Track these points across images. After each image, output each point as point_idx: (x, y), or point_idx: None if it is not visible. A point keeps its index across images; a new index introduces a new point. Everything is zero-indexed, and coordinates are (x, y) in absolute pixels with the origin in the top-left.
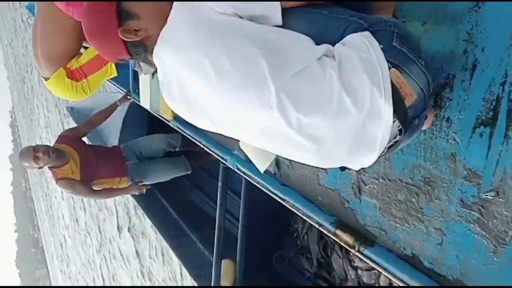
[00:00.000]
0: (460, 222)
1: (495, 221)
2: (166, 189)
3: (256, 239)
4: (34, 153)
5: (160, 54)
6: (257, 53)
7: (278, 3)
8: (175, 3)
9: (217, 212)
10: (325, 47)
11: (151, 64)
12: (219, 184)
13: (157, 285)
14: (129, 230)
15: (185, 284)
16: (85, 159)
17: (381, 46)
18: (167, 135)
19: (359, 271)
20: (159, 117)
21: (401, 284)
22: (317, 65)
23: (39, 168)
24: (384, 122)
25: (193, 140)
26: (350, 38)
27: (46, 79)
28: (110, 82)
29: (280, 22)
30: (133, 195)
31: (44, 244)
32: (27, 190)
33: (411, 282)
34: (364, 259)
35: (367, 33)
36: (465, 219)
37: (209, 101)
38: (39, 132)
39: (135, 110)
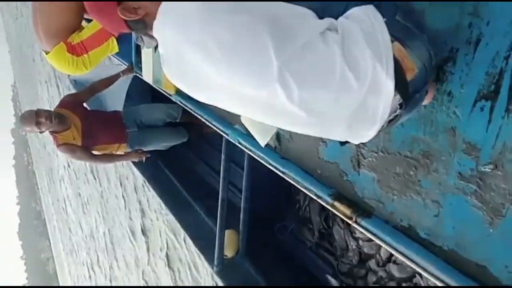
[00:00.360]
0: (457, 194)
1: (492, 193)
2: (171, 161)
3: (258, 210)
4: (36, 117)
5: (160, 29)
6: (260, 28)
7: None
8: None
9: (220, 184)
10: (328, 21)
11: (153, 38)
12: (222, 156)
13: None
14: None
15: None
16: (86, 125)
17: (384, 20)
18: (168, 105)
19: (360, 242)
20: (162, 91)
21: (397, 254)
22: (320, 39)
23: (40, 132)
24: (385, 96)
25: (195, 114)
26: (354, 11)
27: (47, 53)
28: (113, 56)
29: None
30: (137, 168)
31: (46, 217)
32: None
33: (407, 252)
34: (361, 230)
35: (370, 6)
36: (462, 191)
37: (210, 76)
38: (41, 107)
39: (139, 80)
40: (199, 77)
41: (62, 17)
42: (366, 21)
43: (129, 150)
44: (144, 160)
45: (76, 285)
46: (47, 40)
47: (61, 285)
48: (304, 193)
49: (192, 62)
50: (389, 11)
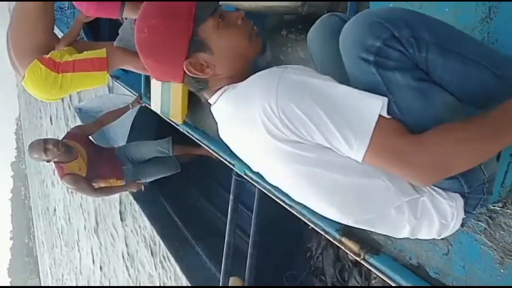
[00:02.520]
0: (466, 232)
1: (502, 232)
2: (173, 198)
3: (267, 257)
4: (44, 144)
5: (222, 111)
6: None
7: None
8: (258, 74)
9: (227, 227)
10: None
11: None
12: (231, 197)
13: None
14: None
15: None
16: (92, 157)
17: (464, 216)
18: (157, 142)
19: None
20: (169, 121)
21: None
22: (394, 211)
23: (47, 161)
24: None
25: (202, 145)
26: (442, 196)
27: (23, 78)
28: (121, 85)
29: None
30: (137, 202)
31: (38, 254)
32: (26, 198)
33: None
34: (369, 267)
35: (460, 201)
36: (472, 229)
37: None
38: None
39: (145, 114)
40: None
41: (31, 38)
42: (447, 215)
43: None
44: (143, 189)
45: None
46: (20, 63)
47: None
48: (317, 241)
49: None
50: (472, 205)
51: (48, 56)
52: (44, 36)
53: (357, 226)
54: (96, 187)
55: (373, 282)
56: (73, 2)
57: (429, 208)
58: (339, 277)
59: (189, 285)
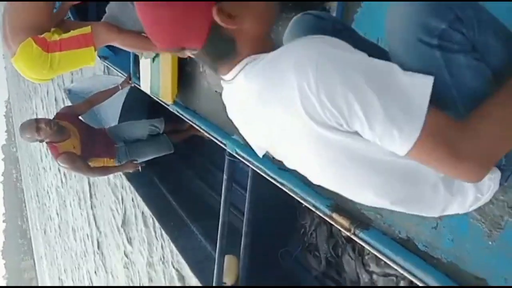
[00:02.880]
0: None
1: (491, 205)
2: (167, 178)
3: (261, 235)
4: (36, 124)
5: (243, 91)
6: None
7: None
8: (291, 44)
9: (221, 206)
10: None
11: (216, 73)
12: (224, 177)
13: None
14: (123, 224)
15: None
16: (84, 136)
17: (497, 189)
18: (149, 120)
19: (374, 276)
20: (159, 101)
21: (396, 267)
22: (430, 189)
23: (40, 141)
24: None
25: (193, 125)
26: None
27: (14, 56)
28: (111, 66)
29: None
30: (132, 184)
31: (31, 236)
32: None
33: (405, 265)
34: (359, 241)
35: (497, 173)
36: None
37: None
38: None
39: (136, 94)
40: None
41: (29, 16)
42: (483, 190)
43: (117, 164)
44: (140, 170)
45: None
46: (13, 38)
47: None
48: (311, 217)
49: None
50: (505, 176)
51: (42, 36)
52: (43, 16)
53: (392, 208)
54: (91, 166)
55: (366, 257)
56: None
57: (466, 183)
58: (333, 253)
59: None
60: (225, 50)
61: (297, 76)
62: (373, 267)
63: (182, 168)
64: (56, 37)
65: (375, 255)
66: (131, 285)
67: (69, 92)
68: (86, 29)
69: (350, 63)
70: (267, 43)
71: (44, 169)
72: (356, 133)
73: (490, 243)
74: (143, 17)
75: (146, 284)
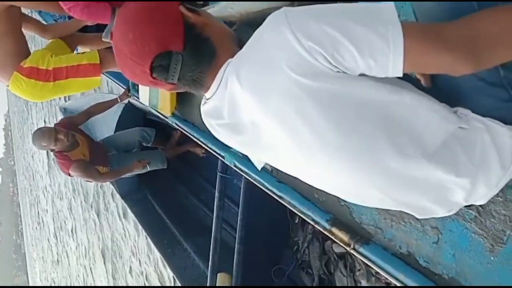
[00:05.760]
0: (457, 220)
1: (492, 220)
2: (161, 195)
3: (254, 252)
4: (56, 134)
5: (232, 88)
6: (377, 135)
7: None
8: (260, 27)
9: (214, 222)
10: (461, 119)
11: (201, 87)
12: (216, 194)
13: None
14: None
15: None
16: (90, 144)
17: None
18: (141, 128)
19: None
20: (157, 114)
21: (397, 283)
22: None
23: (51, 150)
24: None
25: (191, 137)
26: (499, 129)
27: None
28: (110, 78)
29: (401, 73)
30: (126, 201)
31: (26, 251)
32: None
33: (407, 281)
34: (359, 257)
35: None
36: (462, 217)
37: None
38: (30, 138)
39: (130, 113)
40: (278, 153)
41: (7, 45)
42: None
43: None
44: (148, 168)
45: None
46: (2, 76)
47: None
48: (303, 234)
49: (273, 136)
50: None
51: (26, 64)
52: (14, 43)
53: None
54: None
55: (357, 273)
56: (66, 9)
57: (487, 145)
58: (325, 270)
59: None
60: (205, 50)
61: (274, 39)
62: (364, 283)
63: (176, 185)
64: (51, 61)
65: (366, 271)
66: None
67: (65, 111)
68: (94, 58)
69: (314, 7)
70: (241, 45)
71: (41, 177)
72: (350, 74)
73: (492, 258)
74: (122, 42)
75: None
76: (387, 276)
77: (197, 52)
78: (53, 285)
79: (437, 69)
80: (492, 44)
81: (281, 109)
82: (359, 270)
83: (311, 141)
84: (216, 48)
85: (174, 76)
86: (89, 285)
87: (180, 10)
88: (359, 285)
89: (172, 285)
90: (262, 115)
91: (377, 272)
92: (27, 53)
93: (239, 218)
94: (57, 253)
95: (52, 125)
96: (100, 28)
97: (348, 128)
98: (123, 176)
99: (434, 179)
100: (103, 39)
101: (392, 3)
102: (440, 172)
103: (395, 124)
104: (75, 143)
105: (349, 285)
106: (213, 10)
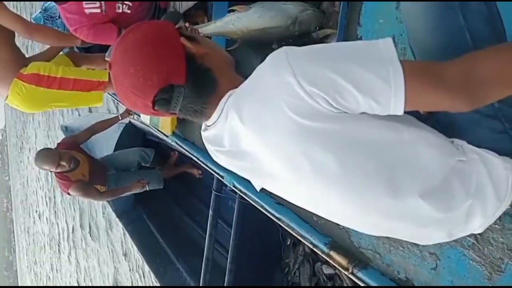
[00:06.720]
0: (455, 247)
1: (490, 247)
2: (156, 215)
3: (245, 272)
4: (59, 160)
5: (232, 122)
6: (373, 174)
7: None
8: (260, 65)
9: (206, 240)
10: (459, 151)
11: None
12: (210, 213)
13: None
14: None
15: None
16: (90, 163)
17: None
18: (141, 148)
19: None
20: (156, 134)
21: None
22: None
23: (51, 171)
24: None
25: (191, 156)
26: (494, 160)
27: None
28: (110, 95)
29: (402, 112)
30: (120, 220)
31: (18, 269)
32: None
33: None
34: (357, 281)
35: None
36: (460, 244)
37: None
38: (27, 154)
39: (129, 135)
40: (277, 181)
41: (3, 53)
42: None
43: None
44: (147, 189)
45: None
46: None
47: None
48: (294, 256)
49: (271, 168)
50: None
51: (27, 71)
52: (6, 51)
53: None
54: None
55: None
56: (72, 30)
57: (483, 176)
58: None
59: None
60: (206, 82)
61: (275, 78)
62: None
63: (171, 205)
64: (57, 70)
65: None
66: None
67: (66, 129)
68: (104, 75)
69: (315, 48)
70: (240, 79)
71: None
72: (350, 113)
73: (490, 286)
74: (123, 75)
75: None
76: None
77: (198, 84)
78: None
79: (437, 107)
80: (489, 84)
81: (281, 146)
82: None
83: (310, 174)
84: (217, 78)
85: (176, 107)
86: None
87: (181, 42)
88: None
89: None
90: (263, 149)
91: None
92: (25, 62)
93: (231, 237)
94: (50, 270)
95: (47, 138)
96: (103, 48)
97: (346, 163)
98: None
99: (430, 217)
100: (106, 59)
101: (389, 39)
102: (436, 213)
103: (393, 164)
104: (76, 165)
105: None
106: (215, 26)
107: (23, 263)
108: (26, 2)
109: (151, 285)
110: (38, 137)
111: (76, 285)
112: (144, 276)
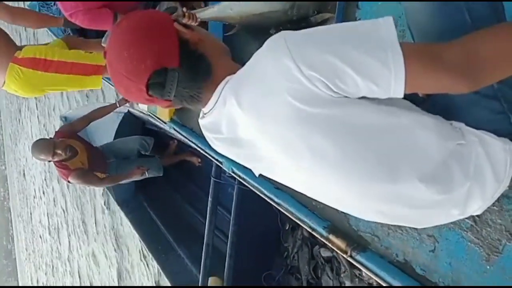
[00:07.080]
0: (453, 229)
1: (488, 229)
2: (156, 203)
3: (245, 257)
4: (54, 149)
5: (231, 108)
6: (372, 159)
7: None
8: (259, 50)
9: (206, 227)
10: (458, 134)
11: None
12: (209, 199)
13: None
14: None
15: None
16: (89, 151)
17: None
18: (141, 136)
19: None
20: (155, 122)
21: None
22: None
23: (49, 161)
24: None
25: (189, 143)
26: (493, 142)
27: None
28: (108, 82)
29: (402, 95)
30: (121, 208)
31: (17, 257)
32: (5, 200)
33: None
34: (356, 264)
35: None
36: (458, 226)
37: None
38: (22, 142)
39: (128, 123)
40: (275, 167)
41: None
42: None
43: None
44: (147, 174)
45: None
46: None
47: None
48: (293, 240)
49: (271, 155)
50: None
51: (21, 55)
52: (6, 36)
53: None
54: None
55: (342, 275)
56: (67, 16)
57: (481, 158)
58: (313, 274)
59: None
60: (201, 66)
61: (274, 63)
62: (348, 283)
63: (171, 193)
64: (53, 53)
65: (350, 273)
66: None
67: (65, 119)
68: (101, 59)
69: (313, 32)
70: (236, 65)
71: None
72: (349, 98)
73: (488, 267)
74: (117, 60)
75: None
76: (383, 284)
77: (192, 68)
78: None
79: (437, 89)
80: (489, 65)
81: (280, 133)
82: (344, 272)
83: (310, 161)
84: (211, 63)
85: (171, 92)
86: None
87: (175, 27)
88: (343, 286)
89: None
90: (261, 136)
91: (360, 274)
92: (16, 47)
93: (231, 223)
94: (51, 259)
95: (42, 126)
96: (99, 33)
97: (346, 149)
98: (120, 183)
99: (429, 199)
100: (102, 44)
101: (390, 18)
102: (435, 195)
103: (392, 149)
104: (73, 153)
105: (334, 285)
106: (213, 11)
107: (22, 252)
108: None
109: (155, 272)
110: (33, 125)
111: (77, 274)
112: (147, 264)
